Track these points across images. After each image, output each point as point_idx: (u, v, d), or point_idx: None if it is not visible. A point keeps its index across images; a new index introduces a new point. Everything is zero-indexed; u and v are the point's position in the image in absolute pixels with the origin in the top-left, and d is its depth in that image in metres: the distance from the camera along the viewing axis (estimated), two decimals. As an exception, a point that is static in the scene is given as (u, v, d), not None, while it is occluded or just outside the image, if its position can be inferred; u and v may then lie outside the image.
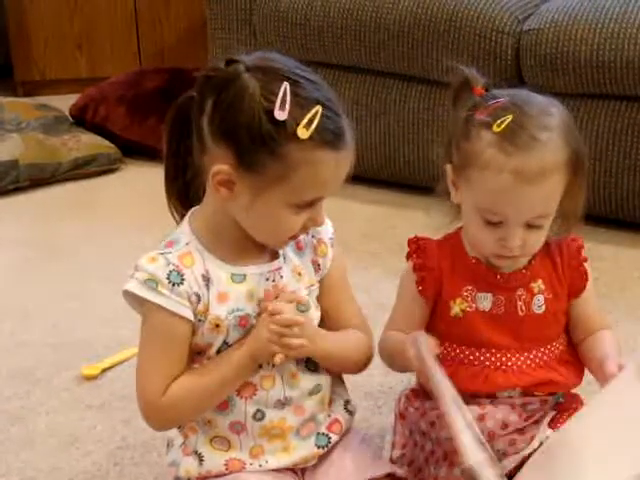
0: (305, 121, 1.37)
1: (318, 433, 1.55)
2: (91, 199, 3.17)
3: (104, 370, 2.13)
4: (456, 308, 1.60)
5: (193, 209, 1.52)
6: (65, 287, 2.54)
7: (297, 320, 1.45)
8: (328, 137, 1.39)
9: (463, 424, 1.42)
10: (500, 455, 1.56)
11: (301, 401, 1.53)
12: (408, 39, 2.84)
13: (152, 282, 1.44)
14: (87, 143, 3.35)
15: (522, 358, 1.59)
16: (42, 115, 3.45)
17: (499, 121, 1.48)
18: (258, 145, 1.38)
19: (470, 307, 1.59)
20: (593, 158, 2.67)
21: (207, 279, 1.46)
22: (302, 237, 1.54)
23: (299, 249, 1.54)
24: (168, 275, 1.44)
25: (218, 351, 1.48)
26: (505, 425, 1.58)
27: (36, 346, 2.25)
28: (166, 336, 1.46)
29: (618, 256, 2.61)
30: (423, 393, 1.66)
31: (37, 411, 2.01)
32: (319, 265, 1.56)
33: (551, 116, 1.51)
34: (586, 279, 1.63)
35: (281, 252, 1.52)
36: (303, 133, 1.37)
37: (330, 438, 1.56)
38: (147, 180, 3.26)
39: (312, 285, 1.54)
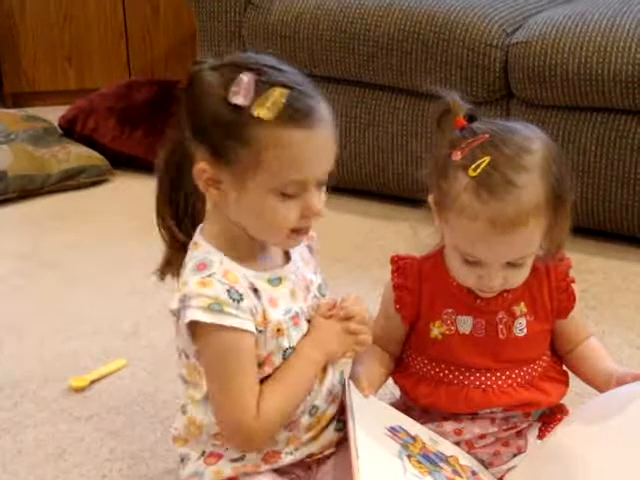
0: (266, 102, 1.36)
1: (336, 419, 1.56)
2: (80, 210, 3.17)
3: (92, 382, 2.13)
4: (435, 331, 1.59)
5: (199, 228, 1.50)
6: (53, 298, 2.54)
7: (369, 320, 1.51)
8: (293, 115, 1.36)
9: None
10: (486, 465, 1.57)
11: (336, 389, 1.55)
12: (397, 51, 2.85)
13: (215, 305, 1.39)
14: (76, 154, 3.35)
15: (503, 377, 1.58)
16: (31, 126, 3.45)
17: (474, 165, 1.45)
18: (225, 135, 1.38)
19: (450, 330, 1.58)
20: (580, 171, 2.68)
21: (254, 289, 1.44)
22: None
23: None
24: (229, 294, 1.40)
25: (284, 357, 1.47)
26: (483, 435, 1.58)
27: (24, 358, 2.24)
28: (240, 355, 1.43)
29: (606, 268, 2.62)
30: (404, 406, 1.66)
31: (25, 423, 2.00)
32: (311, 247, 1.59)
33: (530, 154, 1.46)
34: (574, 300, 1.61)
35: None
36: (264, 114, 1.36)
37: (342, 423, 1.56)
38: (136, 191, 3.27)
39: (317, 267, 1.58)
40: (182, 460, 1.56)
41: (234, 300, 1.40)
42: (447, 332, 1.58)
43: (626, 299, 2.46)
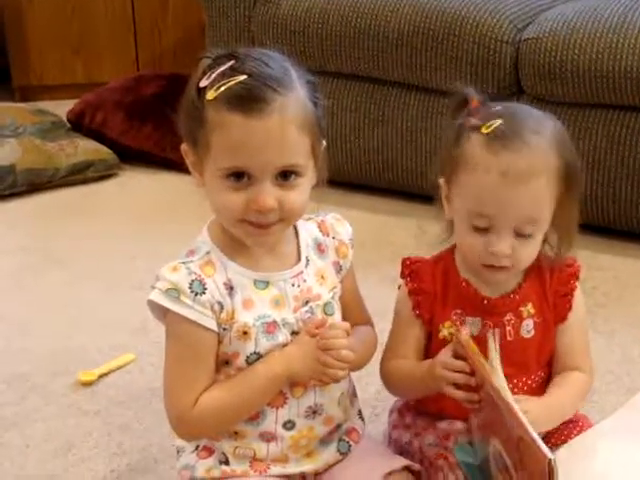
0: (220, 86, 1.37)
1: (340, 439, 1.57)
2: (88, 205, 3.16)
3: (101, 376, 2.13)
4: (444, 331, 1.59)
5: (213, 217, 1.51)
6: (62, 293, 2.54)
7: (349, 357, 1.46)
8: (239, 101, 1.36)
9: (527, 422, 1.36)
10: None
11: (330, 410, 1.53)
12: (407, 47, 2.84)
13: (174, 292, 1.42)
14: (84, 149, 3.35)
15: (510, 385, 1.55)
16: (39, 120, 3.44)
17: (488, 123, 1.48)
18: (190, 116, 1.42)
19: (458, 331, 1.57)
20: (591, 167, 2.67)
21: (230, 287, 1.45)
22: (323, 239, 1.54)
23: (321, 252, 1.54)
24: (190, 284, 1.42)
25: (247, 361, 1.46)
26: None
27: (33, 352, 2.24)
28: (191, 347, 1.45)
29: (616, 265, 2.61)
30: (414, 407, 1.65)
31: (33, 417, 2.00)
32: (340, 266, 1.56)
33: (543, 125, 1.50)
34: (569, 309, 1.59)
35: (304, 254, 1.51)
36: (209, 94, 1.38)
37: (350, 445, 1.57)
38: (144, 186, 3.27)
39: (335, 287, 1.54)
40: (178, 452, 1.58)
41: (193, 292, 1.42)
42: (456, 333, 1.58)
43: (636, 297, 2.45)
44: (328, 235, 1.56)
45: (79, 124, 3.52)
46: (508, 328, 1.57)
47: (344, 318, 1.56)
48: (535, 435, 1.32)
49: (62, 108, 3.64)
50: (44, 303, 2.49)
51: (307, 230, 1.55)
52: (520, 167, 1.45)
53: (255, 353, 1.46)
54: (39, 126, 3.41)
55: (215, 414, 1.47)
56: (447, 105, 1.63)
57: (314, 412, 1.52)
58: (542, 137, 1.48)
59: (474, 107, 1.54)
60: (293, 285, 1.49)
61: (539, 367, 1.60)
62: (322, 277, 1.53)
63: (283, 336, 1.47)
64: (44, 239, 2.87)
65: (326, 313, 1.51)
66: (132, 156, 3.44)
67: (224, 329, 1.45)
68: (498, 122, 1.47)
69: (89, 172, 3.31)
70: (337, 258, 1.56)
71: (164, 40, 4.20)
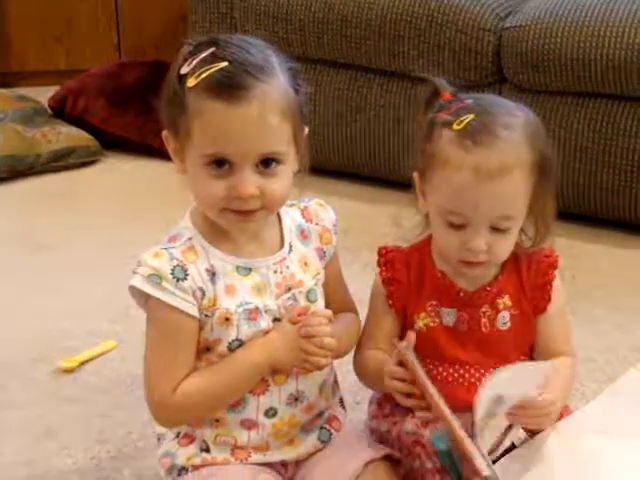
0: (200, 72, 1.37)
1: (321, 427, 1.57)
2: (70, 191, 3.15)
3: (82, 363, 2.12)
4: (420, 322, 1.58)
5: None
6: (43, 279, 2.53)
7: (332, 344, 1.46)
8: (218, 87, 1.36)
9: (465, 435, 1.40)
10: None
11: (312, 398, 1.53)
12: (389, 34, 2.83)
13: (156, 277, 1.42)
14: (66, 135, 3.33)
15: (487, 374, 1.54)
16: (21, 107, 3.42)
17: (460, 119, 1.47)
18: (171, 102, 1.41)
19: (434, 322, 1.57)
20: (574, 156, 2.68)
21: (212, 273, 1.44)
22: (307, 226, 1.54)
23: (304, 238, 1.54)
24: (172, 270, 1.42)
25: (229, 348, 1.46)
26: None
27: (13, 339, 2.23)
28: (171, 333, 1.45)
29: (598, 253, 2.62)
30: (393, 398, 1.65)
31: (14, 404, 1.99)
32: (324, 252, 1.56)
33: (515, 117, 1.49)
34: (548, 300, 1.59)
35: (287, 241, 1.51)
36: (189, 81, 1.37)
37: (331, 433, 1.57)
38: (126, 172, 3.26)
39: (318, 274, 1.54)
40: (158, 439, 1.58)
41: (174, 277, 1.42)
42: (431, 324, 1.58)
43: (617, 285, 2.46)
44: (311, 221, 1.56)
45: (61, 110, 3.50)
46: (484, 320, 1.57)
47: (327, 305, 1.56)
48: (473, 448, 1.35)
49: (44, 94, 3.62)
50: (25, 290, 2.48)
51: (290, 217, 1.55)
52: (492, 164, 1.44)
53: (237, 340, 1.46)
54: (20, 112, 3.39)
55: (196, 401, 1.46)
56: (418, 96, 1.62)
57: (296, 399, 1.52)
58: (514, 131, 1.47)
59: (445, 99, 1.53)
60: (276, 272, 1.49)
61: (520, 354, 1.60)
62: (305, 264, 1.52)
63: (265, 323, 1.47)
64: (25, 225, 2.86)
65: (309, 300, 1.51)
66: (114, 143, 3.42)
67: (206, 315, 1.45)
68: (469, 117, 1.46)
69: (71, 159, 3.30)
70: (320, 244, 1.56)
71: (146, 27, 4.18)
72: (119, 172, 3.28)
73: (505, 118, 1.48)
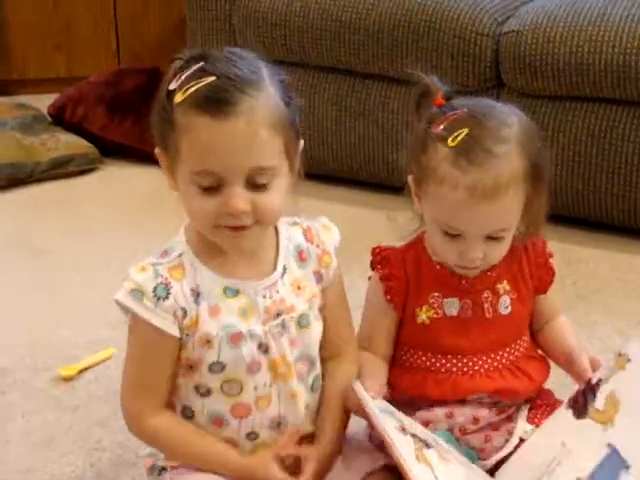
0: (188, 88, 1.35)
1: None
2: (69, 199, 3.15)
3: (81, 371, 2.12)
4: (422, 315, 1.59)
5: None
6: (43, 287, 2.53)
7: None
8: (206, 103, 1.33)
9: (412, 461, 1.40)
10: (477, 452, 1.57)
11: (296, 422, 1.50)
12: (387, 40, 2.84)
13: (138, 293, 1.41)
14: (65, 143, 3.33)
15: (489, 360, 1.58)
16: (20, 114, 3.43)
17: (454, 135, 1.47)
18: (160, 119, 1.40)
19: (437, 314, 1.58)
20: (571, 160, 2.68)
21: (197, 293, 1.42)
22: (306, 246, 1.51)
23: (302, 260, 1.51)
24: (155, 288, 1.41)
25: (210, 370, 1.44)
26: (476, 420, 1.58)
27: (13, 346, 2.23)
28: (149, 350, 1.44)
29: (596, 258, 2.61)
30: (391, 395, 1.65)
31: (13, 412, 1.99)
32: (321, 275, 1.53)
33: (509, 127, 1.49)
34: (553, 274, 1.63)
35: (281, 264, 1.48)
36: (177, 97, 1.36)
37: None
38: (126, 180, 3.26)
39: (314, 297, 1.51)
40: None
41: (156, 296, 1.40)
42: (434, 316, 1.59)
43: (616, 289, 2.46)
44: (312, 242, 1.53)
45: (60, 118, 3.51)
46: (486, 305, 1.59)
47: (326, 339, 1.54)
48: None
49: (43, 102, 3.63)
50: (25, 297, 2.48)
51: (290, 236, 1.52)
52: (488, 183, 1.45)
53: (218, 363, 1.43)
54: (20, 120, 3.39)
55: (162, 443, 1.49)
56: (410, 95, 1.63)
57: (278, 424, 1.49)
58: (507, 144, 1.47)
59: (438, 104, 1.54)
60: (265, 297, 1.45)
61: (521, 335, 1.63)
62: (298, 287, 1.49)
63: (247, 349, 1.44)
64: (24, 233, 2.86)
65: (300, 325, 1.48)
66: (113, 150, 3.42)
67: (187, 335, 1.43)
68: (464, 133, 1.46)
69: (70, 166, 3.30)
70: (318, 267, 1.52)
71: (145, 34, 4.18)
72: (118, 179, 3.28)
73: (499, 131, 1.48)
